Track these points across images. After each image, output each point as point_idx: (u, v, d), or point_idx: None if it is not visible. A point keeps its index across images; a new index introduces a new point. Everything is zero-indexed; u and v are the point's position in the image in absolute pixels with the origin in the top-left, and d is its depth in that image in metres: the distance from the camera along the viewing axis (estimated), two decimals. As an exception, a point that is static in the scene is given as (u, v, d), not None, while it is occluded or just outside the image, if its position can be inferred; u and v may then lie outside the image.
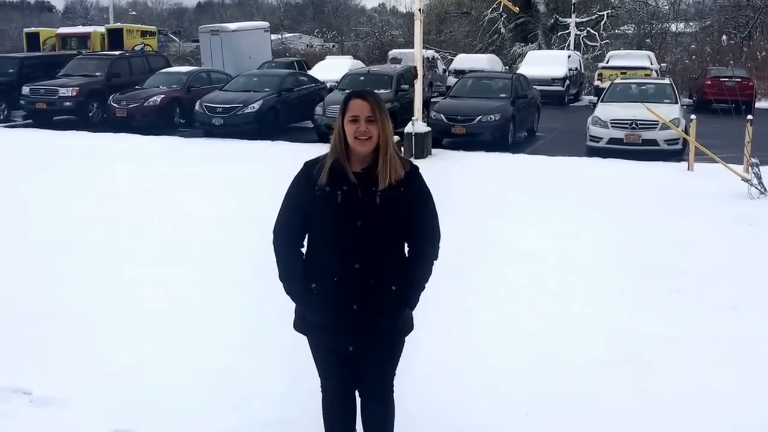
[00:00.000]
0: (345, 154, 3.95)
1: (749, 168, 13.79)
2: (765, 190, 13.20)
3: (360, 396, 4.37)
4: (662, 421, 5.37)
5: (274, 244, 4.15)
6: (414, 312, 4.24)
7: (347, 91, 20.56)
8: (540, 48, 43.78)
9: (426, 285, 4.16)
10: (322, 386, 4.41)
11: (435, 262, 4.17)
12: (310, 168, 4.03)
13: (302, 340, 4.31)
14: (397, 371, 4.31)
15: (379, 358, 4.21)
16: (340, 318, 4.03)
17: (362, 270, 3.97)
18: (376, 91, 19.34)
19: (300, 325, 4.25)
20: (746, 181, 13.43)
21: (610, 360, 6.35)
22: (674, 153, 17.92)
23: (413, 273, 4.10)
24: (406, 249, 4.15)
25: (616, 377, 6.04)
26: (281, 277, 4.16)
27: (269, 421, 5.26)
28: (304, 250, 4.16)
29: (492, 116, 19.38)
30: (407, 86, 21.52)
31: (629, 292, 8.16)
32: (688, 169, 16.05)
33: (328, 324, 4.08)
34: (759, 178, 13.19)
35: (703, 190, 13.75)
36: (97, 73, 25.51)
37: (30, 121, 24.87)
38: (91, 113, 24.47)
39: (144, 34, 38.63)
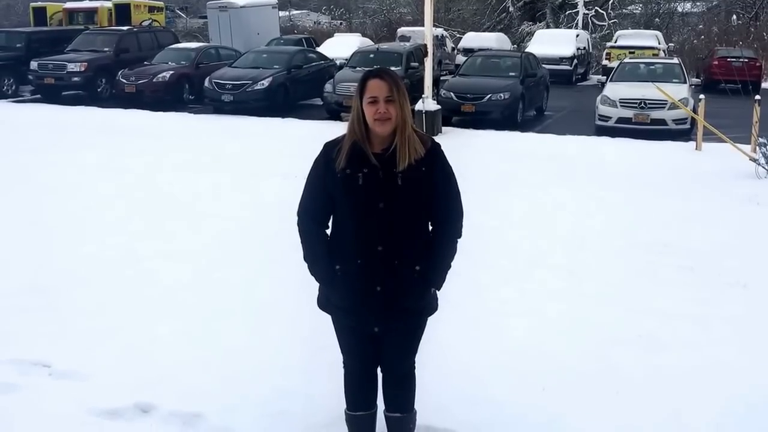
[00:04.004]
0: (365, 136, 3.91)
1: (757, 148, 13.81)
2: (772, 169, 13.22)
3: (382, 373, 4.39)
4: (674, 396, 5.44)
5: (298, 225, 4.13)
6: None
7: (357, 68, 20.57)
8: (548, 27, 43.50)
9: (452, 264, 4.15)
10: (344, 363, 4.43)
11: (459, 240, 4.15)
12: (330, 150, 3.99)
13: (320, 314, 4.35)
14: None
15: (403, 339, 4.23)
16: (363, 300, 4.03)
17: (385, 252, 3.95)
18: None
19: (324, 303, 4.25)
20: (754, 160, 13.45)
21: (623, 336, 6.41)
22: (682, 132, 17.94)
23: (437, 253, 4.07)
24: (430, 228, 4.12)
25: (629, 353, 6.10)
26: (306, 258, 4.14)
27: (288, 394, 5.30)
28: (329, 231, 4.13)
29: (501, 95, 19.37)
30: (417, 64, 21.48)
31: (640, 269, 8.21)
32: (696, 148, 16.07)
33: (353, 306, 4.08)
34: (767, 157, 13.20)
35: (711, 170, 13.78)
36: (106, 49, 25.40)
37: (38, 96, 24.77)
38: (99, 89, 24.43)
39: (151, 9, 38.40)
